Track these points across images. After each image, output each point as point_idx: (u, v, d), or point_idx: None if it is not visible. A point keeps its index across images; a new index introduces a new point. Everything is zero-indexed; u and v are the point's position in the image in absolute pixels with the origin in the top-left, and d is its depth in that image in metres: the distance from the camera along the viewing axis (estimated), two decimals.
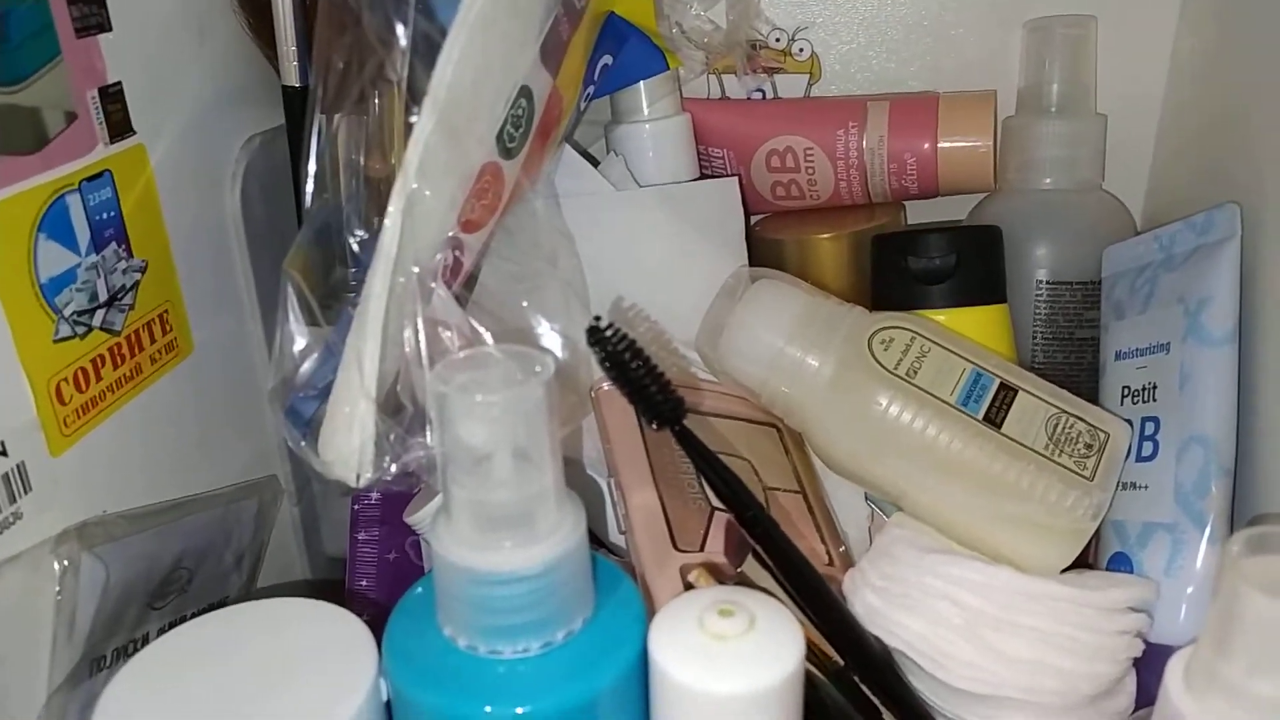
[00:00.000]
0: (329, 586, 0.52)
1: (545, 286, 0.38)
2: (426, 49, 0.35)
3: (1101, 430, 0.41)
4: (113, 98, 0.39)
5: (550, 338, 0.39)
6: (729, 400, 0.46)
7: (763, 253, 0.53)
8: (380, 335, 0.34)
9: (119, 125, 0.39)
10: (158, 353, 0.42)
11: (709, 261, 0.49)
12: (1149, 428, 0.42)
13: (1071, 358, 0.51)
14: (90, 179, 0.38)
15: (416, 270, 0.34)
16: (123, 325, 0.40)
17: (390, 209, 0.34)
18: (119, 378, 0.40)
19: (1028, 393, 0.42)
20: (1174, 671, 0.28)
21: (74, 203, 0.37)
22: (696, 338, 0.46)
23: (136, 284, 0.41)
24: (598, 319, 0.33)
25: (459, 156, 0.35)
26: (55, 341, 0.37)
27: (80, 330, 0.38)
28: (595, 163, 0.51)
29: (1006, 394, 0.41)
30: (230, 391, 0.47)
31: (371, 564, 0.50)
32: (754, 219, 0.57)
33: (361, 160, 0.37)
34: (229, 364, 0.47)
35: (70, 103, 0.37)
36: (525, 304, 0.38)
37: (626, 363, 0.33)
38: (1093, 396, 0.46)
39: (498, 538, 0.31)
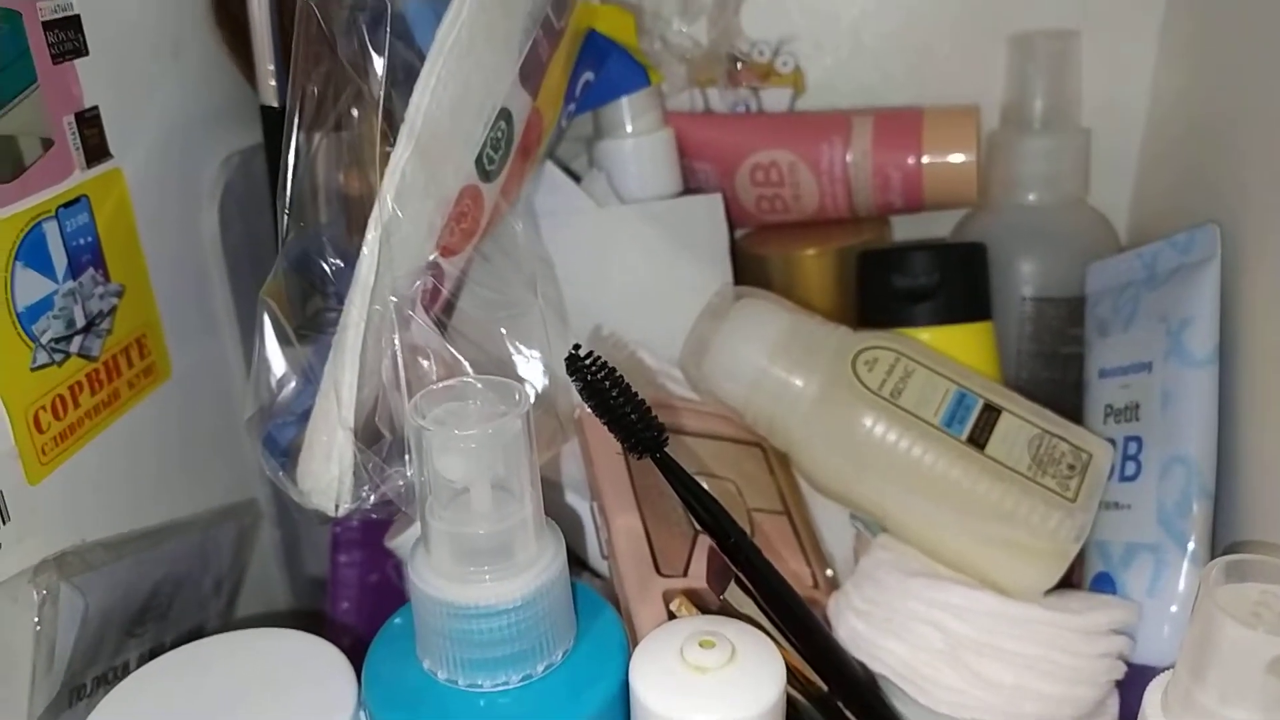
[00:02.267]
0: (310, 615, 0.52)
1: (524, 314, 0.38)
2: (404, 76, 0.34)
3: (1084, 451, 0.41)
4: (89, 123, 0.39)
5: (529, 365, 0.38)
6: (713, 420, 0.46)
7: (748, 268, 0.53)
8: (358, 365, 0.34)
9: (96, 150, 0.39)
10: (136, 378, 0.42)
11: (693, 278, 0.49)
12: (1131, 447, 0.42)
13: (1056, 374, 0.51)
14: (67, 205, 0.38)
15: (394, 300, 0.34)
16: (100, 351, 0.40)
17: (368, 237, 0.34)
18: (96, 404, 0.40)
19: (1011, 413, 0.42)
20: (1152, 696, 0.28)
21: (51, 230, 0.37)
22: (680, 356, 0.46)
23: (114, 309, 0.40)
24: (577, 347, 0.33)
25: (436, 182, 0.35)
26: (33, 369, 0.37)
27: (58, 357, 0.38)
28: (578, 179, 0.50)
29: (990, 415, 0.41)
30: (210, 415, 0.47)
31: (353, 587, 0.50)
32: (739, 232, 0.57)
33: (341, 184, 0.37)
34: (208, 387, 0.47)
35: (47, 129, 0.37)
36: (504, 331, 0.38)
37: (606, 391, 0.33)
38: (1076, 414, 0.46)
39: (477, 570, 0.31)
